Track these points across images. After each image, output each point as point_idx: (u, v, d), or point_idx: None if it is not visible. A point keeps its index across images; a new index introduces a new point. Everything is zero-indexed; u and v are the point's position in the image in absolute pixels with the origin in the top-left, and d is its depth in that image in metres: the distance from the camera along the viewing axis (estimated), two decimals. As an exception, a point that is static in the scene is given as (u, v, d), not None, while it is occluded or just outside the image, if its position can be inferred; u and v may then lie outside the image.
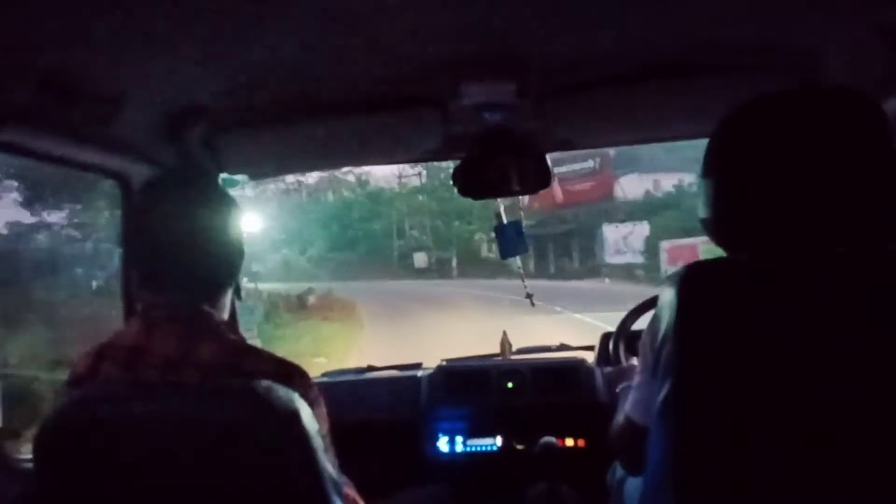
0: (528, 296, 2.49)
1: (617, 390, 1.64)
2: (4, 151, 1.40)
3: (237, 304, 2.17)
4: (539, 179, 2.01)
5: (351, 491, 1.26)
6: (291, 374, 1.17)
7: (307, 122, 1.82)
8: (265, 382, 1.07)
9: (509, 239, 2.20)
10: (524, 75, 1.64)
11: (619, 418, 1.36)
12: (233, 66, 1.50)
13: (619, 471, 1.73)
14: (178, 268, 1.18)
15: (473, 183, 2.02)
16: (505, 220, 2.22)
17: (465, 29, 1.40)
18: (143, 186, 1.26)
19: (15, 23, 1.15)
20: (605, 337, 2.46)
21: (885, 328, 0.98)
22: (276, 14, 1.26)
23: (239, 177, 2.13)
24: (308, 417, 1.08)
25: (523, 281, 2.44)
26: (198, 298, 1.20)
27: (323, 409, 1.19)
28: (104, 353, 1.18)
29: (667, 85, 1.69)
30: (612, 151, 30.31)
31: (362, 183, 46.96)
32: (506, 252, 2.20)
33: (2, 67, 1.24)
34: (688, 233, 21.21)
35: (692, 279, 1.08)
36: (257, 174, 2.11)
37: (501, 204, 2.18)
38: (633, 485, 1.58)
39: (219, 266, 1.23)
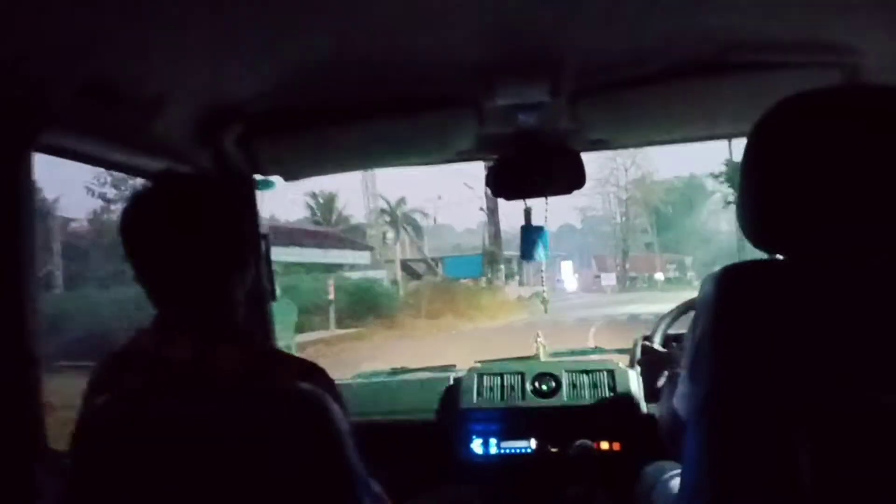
0: (543, 301, 2.45)
1: (659, 384, 1.61)
2: (46, 153, 1.43)
3: (271, 304, 2.20)
4: (573, 180, 1.99)
5: (379, 494, 1.25)
6: (313, 375, 1.16)
7: (341, 123, 1.83)
8: (294, 383, 1.08)
9: (532, 242, 2.18)
10: (558, 75, 1.63)
11: (664, 410, 1.35)
12: (268, 68, 1.52)
13: (645, 481, 1.72)
14: (186, 275, 1.18)
15: (507, 184, 2.01)
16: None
17: (499, 29, 1.40)
18: (133, 198, 1.23)
19: (54, 28, 1.17)
20: (641, 340, 2.42)
21: None
22: (311, 16, 1.27)
23: (273, 178, 2.15)
24: (339, 417, 1.08)
25: (542, 285, 2.41)
26: (210, 303, 1.19)
27: (345, 411, 1.18)
28: (123, 360, 1.18)
29: (702, 84, 1.66)
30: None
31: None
32: (525, 254, 2.19)
33: (43, 72, 1.27)
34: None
35: (730, 281, 1.06)
36: (292, 175, 2.12)
37: (535, 207, 2.16)
38: (662, 494, 1.56)
39: (225, 269, 1.22)
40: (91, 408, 1.12)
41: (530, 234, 2.16)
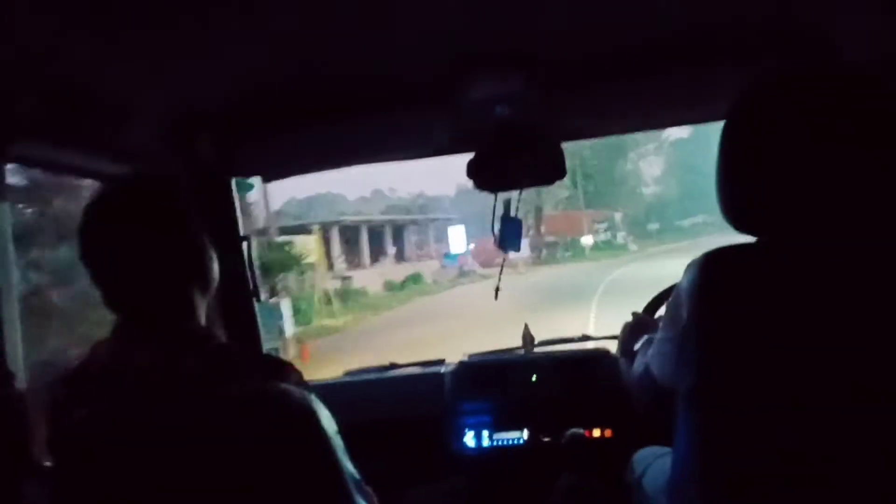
0: (496, 290, 2.44)
1: (636, 347, 1.62)
2: (16, 163, 1.40)
3: (256, 306, 2.18)
4: (554, 169, 1.99)
5: (370, 494, 1.25)
6: (284, 373, 1.13)
7: (317, 121, 1.82)
8: (280, 385, 1.06)
9: (509, 234, 2.17)
10: (533, 66, 1.63)
11: (639, 367, 1.36)
12: (240, 68, 1.50)
13: (636, 468, 1.73)
14: (142, 281, 1.15)
15: (488, 176, 2.00)
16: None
17: (473, 22, 1.39)
18: (89, 203, 1.19)
19: (21, 36, 1.14)
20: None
21: None
22: (282, 14, 1.25)
23: (252, 179, 2.13)
24: (326, 418, 1.07)
25: (500, 274, 2.40)
26: (169, 308, 1.16)
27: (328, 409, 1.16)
28: (81, 376, 1.14)
29: (677, 70, 1.67)
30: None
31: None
32: (504, 245, 2.18)
33: (11, 80, 1.24)
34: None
35: (714, 266, 1.06)
36: (269, 176, 2.10)
37: (514, 197, 2.16)
38: (653, 480, 1.57)
39: (181, 273, 1.19)
40: (62, 425, 1.09)
41: (512, 226, 2.16)
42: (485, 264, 29.24)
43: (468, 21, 1.38)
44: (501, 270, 2.43)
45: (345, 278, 22.98)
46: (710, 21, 1.49)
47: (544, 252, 33.93)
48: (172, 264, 1.17)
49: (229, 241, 2.03)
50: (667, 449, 1.53)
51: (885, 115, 1.00)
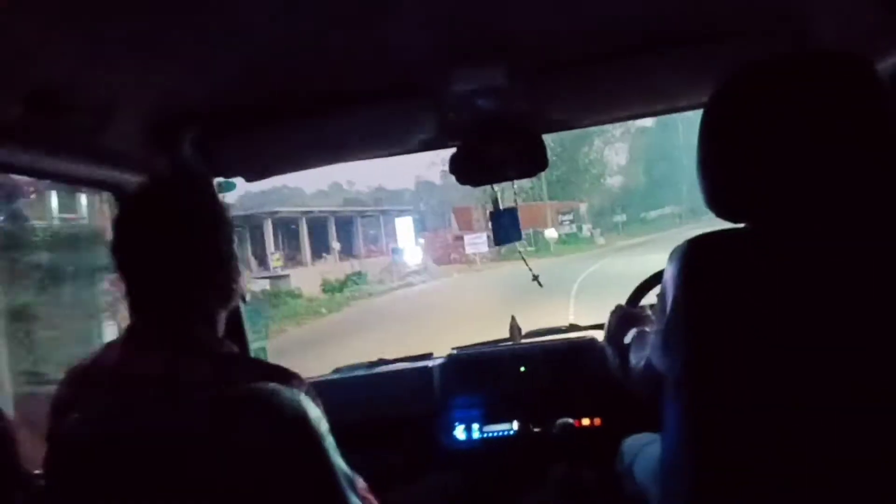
0: (535, 277, 2.46)
1: (627, 340, 1.63)
2: None
3: (242, 307, 2.16)
4: (536, 162, 2.00)
5: (363, 490, 1.25)
6: (284, 377, 1.15)
7: (299, 120, 1.80)
8: (270, 386, 1.06)
9: (504, 226, 2.18)
10: (514, 58, 1.63)
11: (640, 363, 1.36)
12: (220, 69, 1.49)
13: (626, 457, 1.74)
14: (163, 284, 1.16)
15: (471, 170, 2.01)
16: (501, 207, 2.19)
17: (452, 14, 1.39)
18: (129, 199, 1.23)
19: None
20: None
21: (889, 295, 0.97)
22: (260, 13, 1.24)
23: (235, 179, 2.11)
24: (316, 417, 1.08)
25: (527, 264, 2.43)
26: (185, 315, 1.17)
27: (321, 409, 1.17)
28: (87, 376, 1.15)
29: (657, 58, 1.68)
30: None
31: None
32: (499, 238, 2.19)
33: None
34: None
35: (697, 253, 1.07)
36: (254, 175, 2.08)
37: (498, 190, 2.17)
38: (643, 468, 1.59)
39: (205, 281, 1.20)
40: (62, 427, 1.09)
41: (502, 219, 2.17)
42: (439, 260, 27.53)
43: (449, 15, 1.38)
44: (526, 262, 2.49)
45: (278, 278, 21.67)
46: (690, 7, 1.50)
47: (503, 248, 32.19)
48: (192, 272, 1.18)
49: None
50: (655, 436, 1.54)
51: (876, 105, 1.01)
